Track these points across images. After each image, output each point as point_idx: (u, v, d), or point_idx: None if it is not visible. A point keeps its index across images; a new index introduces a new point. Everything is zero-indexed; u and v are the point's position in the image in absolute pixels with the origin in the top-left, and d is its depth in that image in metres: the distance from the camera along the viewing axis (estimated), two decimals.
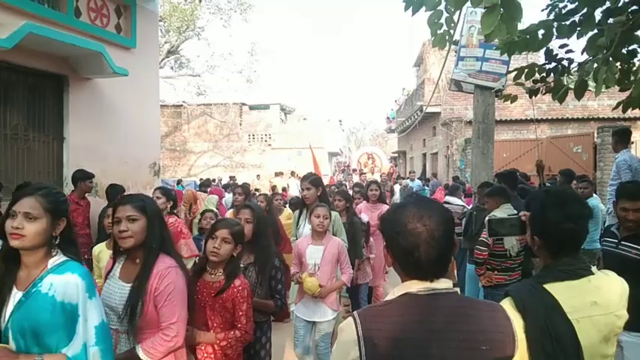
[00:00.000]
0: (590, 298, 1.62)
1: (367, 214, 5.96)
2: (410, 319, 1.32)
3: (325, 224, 3.94)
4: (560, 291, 1.61)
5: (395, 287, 1.44)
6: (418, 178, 18.73)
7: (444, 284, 1.39)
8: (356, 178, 18.36)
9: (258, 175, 22.32)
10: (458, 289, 1.47)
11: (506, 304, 1.63)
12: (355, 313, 1.39)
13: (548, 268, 1.71)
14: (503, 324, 1.38)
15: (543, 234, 1.71)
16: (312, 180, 4.61)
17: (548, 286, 1.63)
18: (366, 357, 1.30)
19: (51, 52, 5.88)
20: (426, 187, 16.44)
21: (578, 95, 3.17)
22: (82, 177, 5.89)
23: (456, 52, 7.79)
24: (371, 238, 5.70)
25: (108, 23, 6.83)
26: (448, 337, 1.30)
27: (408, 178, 17.98)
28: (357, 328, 1.33)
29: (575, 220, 1.66)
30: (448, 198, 7.51)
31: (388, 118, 32.68)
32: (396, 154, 32.27)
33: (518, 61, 13.32)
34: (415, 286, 1.38)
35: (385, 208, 5.91)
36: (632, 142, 12.23)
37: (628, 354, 2.95)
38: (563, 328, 1.56)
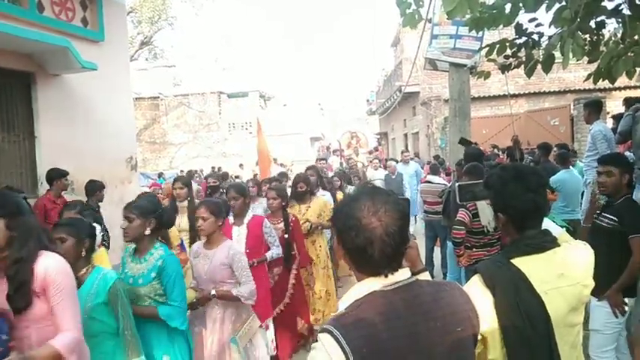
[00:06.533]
0: (557, 270, 1.63)
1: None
2: (387, 318, 1.25)
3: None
4: (528, 265, 1.63)
5: (350, 289, 1.36)
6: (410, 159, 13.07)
7: (404, 275, 1.34)
8: (336, 162, 15.61)
9: (241, 165, 22.17)
10: (424, 275, 1.45)
11: (476, 281, 1.65)
12: (328, 326, 1.25)
13: (514, 242, 1.72)
14: (465, 300, 1.38)
15: (506, 208, 1.72)
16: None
17: (515, 261, 1.64)
18: None
19: (14, 49, 5.71)
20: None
21: (546, 69, 3.19)
22: (57, 175, 5.79)
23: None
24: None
25: (73, 17, 6.65)
26: (429, 328, 1.28)
27: (392, 160, 17.05)
28: (340, 342, 1.20)
29: (534, 190, 1.68)
30: (429, 177, 7.56)
31: (368, 100, 32.61)
32: (378, 136, 32.22)
33: (494, 37, 13.34)
34: (378, 283, 1.31)
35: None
36: (608, 113, 12.40)
37: (594, 315, 3.19)
38: (532, 301, 1.57)
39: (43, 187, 5.99)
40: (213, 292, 3.23)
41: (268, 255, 4.21)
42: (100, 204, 5.96)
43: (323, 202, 5.42)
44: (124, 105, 7.66)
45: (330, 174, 9.53)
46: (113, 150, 7.23)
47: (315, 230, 5.22)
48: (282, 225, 4.58)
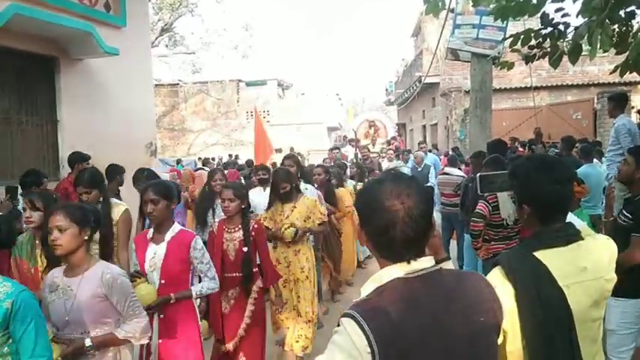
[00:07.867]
0: (580, 264, 1.61)
1: None
2: (410, 305, 1.25)
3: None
4: (550, 258, 1.60)
5: (373, 275, 1.35)
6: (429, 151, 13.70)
7: (428, 262, 1.33)
8: (351, 152, 14.72)
9: None
10: (447, 264, 1.45)
11: (497, 273, 1.63)
12: (351, 311, 1.24)
13: (537, 235, 1.69)
14: (489, 292, 1.37)
15: (532, 200, 1.69)
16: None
17: (537, 254, 1.61)
18: (379, 356, 1.18)
19: (39, 33, 5.79)
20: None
21: (573, 60, 3.12)
22: (79, 159, 5.85)
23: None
24: None
25: (97, 2, 6.71)
26: (451, 317, 1.27)
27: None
28: (363, 327, 1.20)
29: (561, 182, 1.65)
30: (447, 169, 7.49)
31: (387, 90, 32.35)
32: (396, 127, 31.90)
33: (517, 27, 13.02)
34: (401, 270, 1.30)
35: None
36: (633, 107, 12.13)
37: (608, 315, 3.08)
38: (554, 294, 1.55)
39: (65, 170, 6.09)
40: (88, 341, 2.24)
41: (195, 290, 3.02)
42: (119, 188, 6.05)
43: (312, 202, 4.46)
44: (144, 91, 7.74)
45: (348, 164, 9.44)
46: (133, 135, 7.31)
47: (301, 237, 4.27)
48: (240, 234, 3.58)
